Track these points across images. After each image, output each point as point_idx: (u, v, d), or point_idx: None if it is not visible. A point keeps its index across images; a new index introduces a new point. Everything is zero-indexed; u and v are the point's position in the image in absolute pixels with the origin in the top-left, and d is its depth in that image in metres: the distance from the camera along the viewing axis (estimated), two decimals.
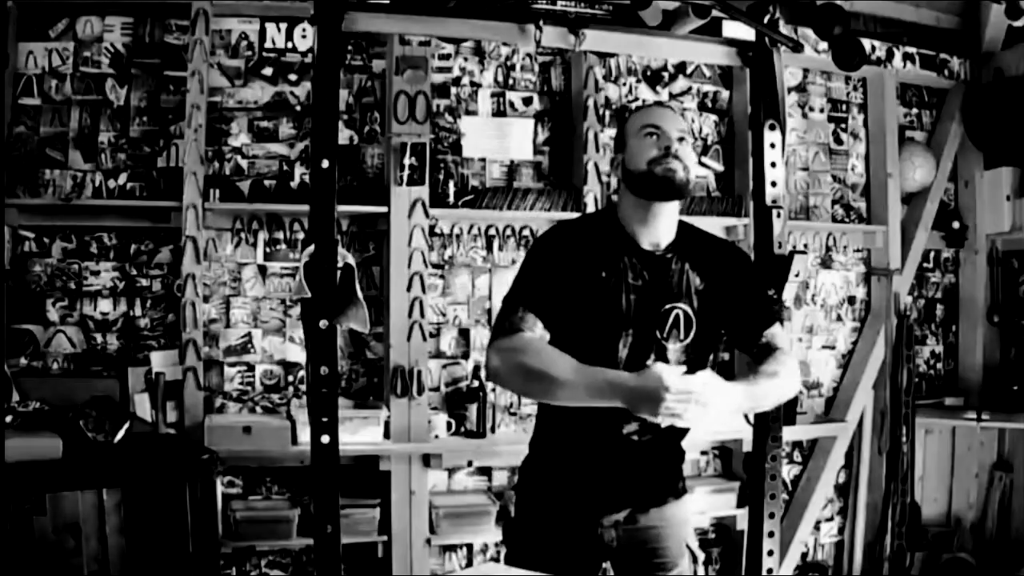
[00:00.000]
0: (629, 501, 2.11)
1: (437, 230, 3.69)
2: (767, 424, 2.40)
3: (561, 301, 1.94)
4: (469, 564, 3.73)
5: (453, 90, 3.82)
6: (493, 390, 3.69)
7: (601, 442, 2.03)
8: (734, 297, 2.07)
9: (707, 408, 1.72)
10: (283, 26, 3.65)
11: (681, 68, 4.10)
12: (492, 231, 3.76)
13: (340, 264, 2.08)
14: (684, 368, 1.82)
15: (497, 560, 3.68)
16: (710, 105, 4.16)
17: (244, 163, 3.61)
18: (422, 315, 3.50)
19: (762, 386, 1.95)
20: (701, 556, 2.21)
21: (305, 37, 3.65)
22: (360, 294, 2.09)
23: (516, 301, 1.95)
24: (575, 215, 3.69)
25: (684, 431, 2.05)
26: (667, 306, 1.99)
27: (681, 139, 1.98)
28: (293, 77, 3.65)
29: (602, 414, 1.89)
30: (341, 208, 2.99)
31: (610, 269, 1.97)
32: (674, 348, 2.00)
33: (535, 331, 1.91)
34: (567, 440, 2.09)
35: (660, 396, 1.68)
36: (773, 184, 2.39)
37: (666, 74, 4.09)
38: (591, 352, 1.88)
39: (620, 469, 2.07)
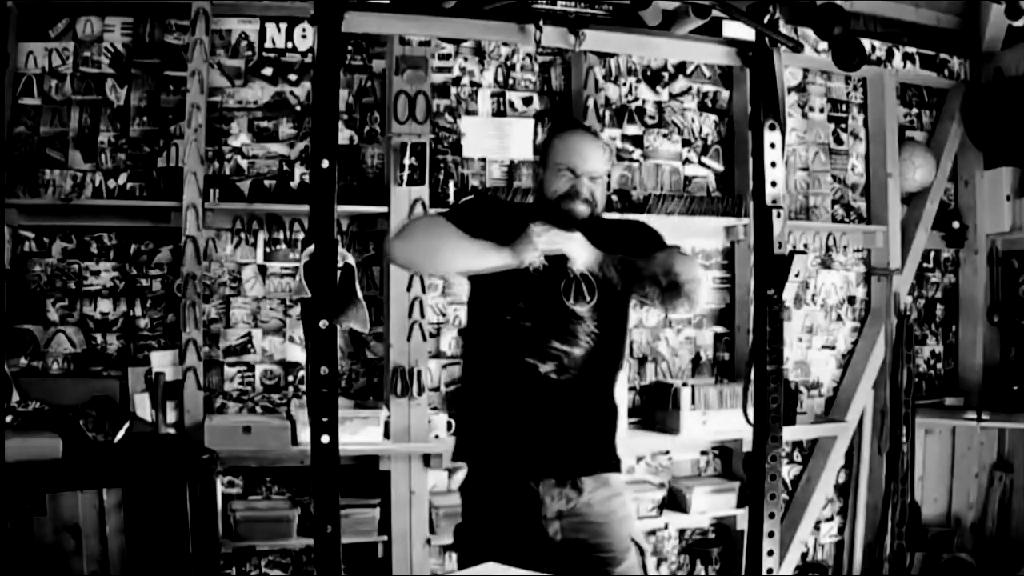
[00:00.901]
0: (558, 457, 2.15)
1: None
2: (767, 424, 2.40)
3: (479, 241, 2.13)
4: None
5: (453, 90, 3.82)
6: None
7: (520, 386, 2.14)
8: (634, 251, 2.18)
9: (570, 246, 2.07)
10: (283, 26, 3.65)
11: (681, 68, 4.10)
12: None
13: (340, 264, 2.07)
14: (593, 316, 2.13)
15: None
16: (710, 105, 4.16)
17: (244, 163, 3.61)
18: (422, 315, 3.50)
19: (634, 261, 2.13)
20: (648, 548, 2.22)
21: (305, 37, 3.65)
22: (360, 294, 2.09)
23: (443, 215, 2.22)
24: None
25: (606, 374, 2.21)
26: (568, 277, 2.15)
27: (593, 179, 2.19)
28: (293, 77, 3.65)
29: (516, 350, 2.12)
30: (341, 208, 2.99)
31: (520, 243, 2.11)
32: (582, 309, 2.14)
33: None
34: (489, 395, 2.21)
35: (532, 238, 2.04)
36: (773, 184, 2.39)
37: (666, 74, 4.09)
38: (491, 345, 2.16)
39: (543, 414, 2.14)
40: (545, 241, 2.03)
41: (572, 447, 2.17)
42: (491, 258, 2.08)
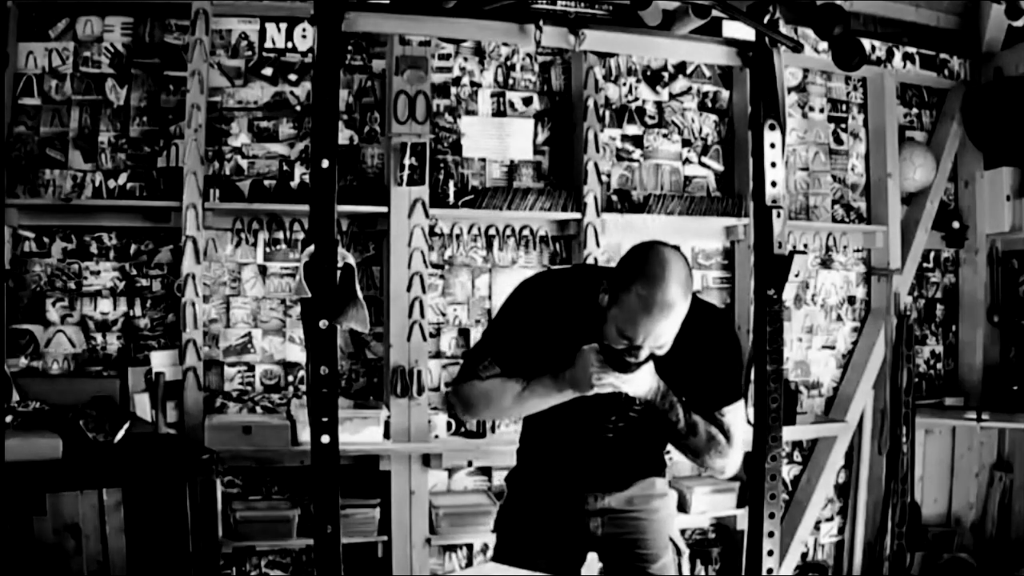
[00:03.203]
0: (611, 480, 2.18)
1: (437, 230, 3.69)
2: (767, 424, 2.40)
3: (527, 362, 2.03)
4: (469, 564, 3.73)
5: (453, 90, 3.82)
6: None
7: (580, 438, 2.13)
8: (698, 368, 2.04)
9: (630, 385, 1.92)
10: (283, 26, 3.65)
11: (681, 68, 4.10)
12: (492, 231, 3.76)
13: (340, 264, 2.07)
14: (643, 410, 2.01)
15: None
16: (710, 105, 4.16)
17: (244, 163, 3.61)
18: (422, 315, 3.50)
19: (686, 416, 2.00)
20: (685, 551, 2.25)
21: (305, 37, 3.65)
22: (360, 294, 2.09)
23: (485, 351, 2.10)
24: (575, 215, 3.70)
25: (657, 429, 2.13)
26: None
27: (658, 345, 1.89)
28: (293, 77, 3.66)
29: (579, 421, 2.05)
30: (341, 208, 2.99)
31: (576, 343, 1.95)
32: (632, 409, 2.05)
33: (493, 376, 2.05)
34: (549, 439, 2.19)
35: (591, 382, 1.91)
36: (773, 184, 2.38)
37: (666, 74, 4.09)
38: (550, 413, 2.03)
39: (599, 454, 2.14)
40: (604, 384, 1.90)
41: (624, 471, 2.20)
42: (552, 400, 2.00)
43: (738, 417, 2.09)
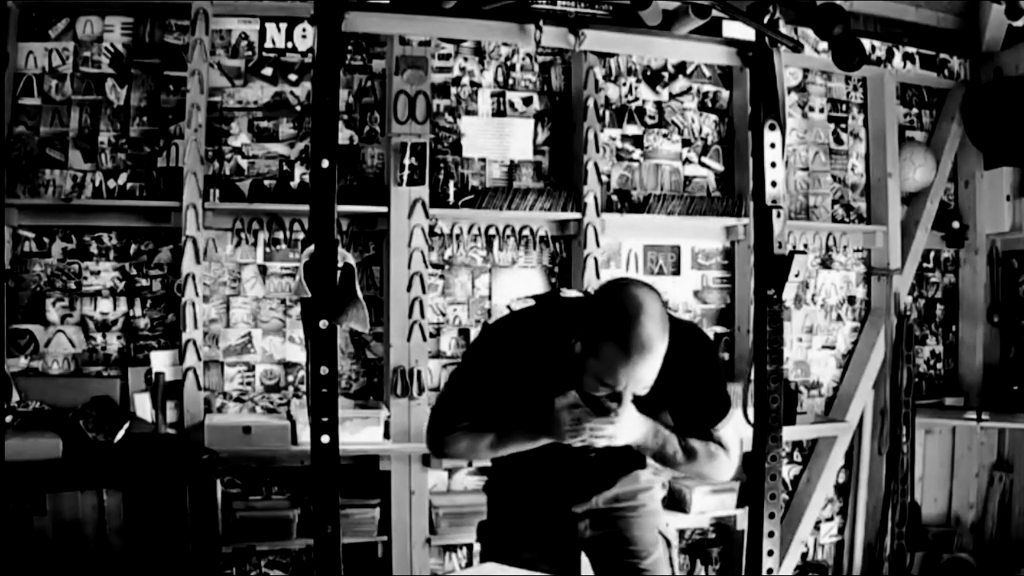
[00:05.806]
0: (594, 482, 2.17)
1: (437, 230, 3.69)
2: (767, 424, 2.40)
3: (496, 411, 2.00)
4: (469, 564, 3.73)
5: (453, 90, 3.82)
6: None
7: (561, 460, 2.06)
8: (682, 391, 1.99)
9: (620, 436, 1.89)
10: (283, 26, 3.65)
11: (681, 68, 4.10)
12: (492, 231, 3.76)
13: (340, 264, 2.07)
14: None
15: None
16: (710, 105, 4.16)
17: (244, 163, 3.61)
18: (422, 315, 3.50)
19: (681, 444, 1.98)
20: (675, 541, 2.24)
21: (305, 37, 3.65)
22: (360, 294, 2.09)
23: (450, 406, 2.07)
24: (575, 215, 3.70)
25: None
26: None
27: (640, 389, 1.83)
28: (293, 77, 3.66)
29: (559, 449, 1.96)
30: (341, 208, 2.99)
31: (548, 389, 1.92)
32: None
33: (464, 429, 2.04)
34: (529, 459, 2.08)
35: (566, 439, 1.88)
36: (773, 184, 2.38)
37: (666, 74, 4.09)
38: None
39: (581, 470, 2.11)
40: (584, 439, 1.86)
41: (607, 474, 2.17)
42: (528, 447, 1.98)
43: (731, 427, 2.06)
